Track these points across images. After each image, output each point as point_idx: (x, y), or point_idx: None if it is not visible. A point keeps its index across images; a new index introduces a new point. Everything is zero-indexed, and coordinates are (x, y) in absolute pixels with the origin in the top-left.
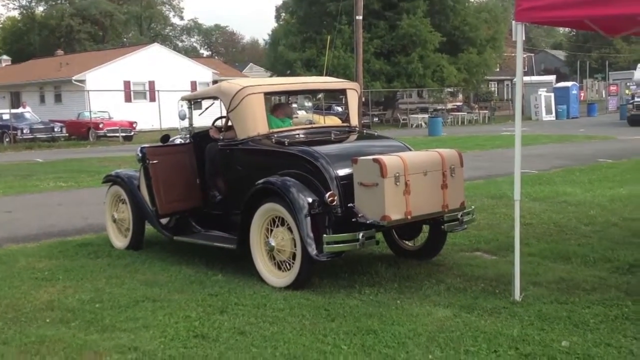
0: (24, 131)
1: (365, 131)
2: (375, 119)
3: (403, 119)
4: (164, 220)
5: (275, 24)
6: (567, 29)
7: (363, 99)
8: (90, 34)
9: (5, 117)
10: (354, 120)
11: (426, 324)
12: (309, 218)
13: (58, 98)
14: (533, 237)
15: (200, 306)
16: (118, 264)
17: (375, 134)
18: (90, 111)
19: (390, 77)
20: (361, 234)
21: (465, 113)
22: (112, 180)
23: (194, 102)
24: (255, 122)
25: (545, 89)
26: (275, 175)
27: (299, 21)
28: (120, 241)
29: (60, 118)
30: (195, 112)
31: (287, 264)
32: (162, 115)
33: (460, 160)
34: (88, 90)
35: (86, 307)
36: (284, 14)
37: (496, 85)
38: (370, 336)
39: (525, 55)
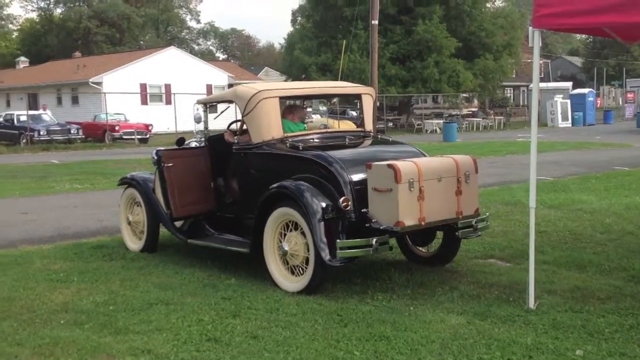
0: (41, 133)
1: (379, 136)
2: (390, 124)
3: (418, 124)
4: (178, 223)
5: (291, 28)
6: (584, 36)
7: (378, 104)
8: (107, 36)
9: (23, 118)
10: (369, 125)
11: (439, 330)
12: (322, 223)
13: (75, 100)
14: (548, 244)
15: (213, 310)
16: (132, 266)
17: (390, 139)
18: (106, 113)
19: (405, 82)
20: (375, 240)
21: (480, 119)
22: (128, 182)
23: (210, 105)
24: (270, 126)
25: (561, 96)
26: (289, 180)
27: (315, 25)
28: (134, 244)
29: (77, 120)
30: (211, 116)
31: (300, 268)
32: (178, 118)
33: (475, 166)
34: (105, 93)
35: (100, 310)
36: (300, 18)
37: (512, 92)
38: (382, 342)
39: (541, 62)
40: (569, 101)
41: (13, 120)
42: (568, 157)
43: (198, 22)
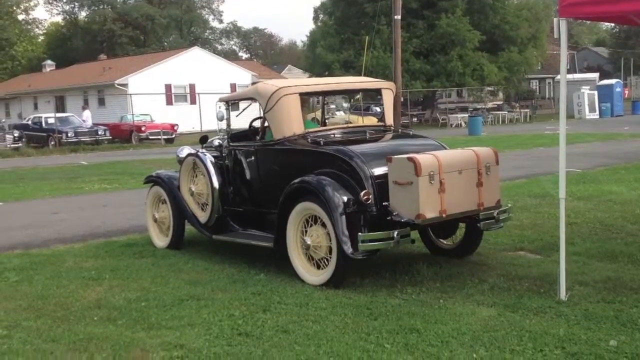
0: (69, 134)
1: (400, 130)
2: (415, 119)
3: (442, 119)
4: (202, 220)
5: (313, 26)
6: (610, 25)
7: (402, 99)
8: (131, 38)
9: (50, 121)
10: (390, 119)
11: (470, 323)
12: (344, 216)
13: (101, 102)
14: (578, 236)
15: (243, 305)
16: (162, 263)
17: (410, 132)
18: (132, 114)
19: (429, 77)
20: (396, 232)
21: (505, 112)
22: (153, 180)
23: (232, 103)
24: (291, 123)
25: (588, 87)
26: (311, 175)
27: (337, 22)
28: (161, 240)
29: (104, 121)
30: (233, 113)
31: (323, 261)
32: (203, 118)
33: (496, 158)
34: (130, 94)
35: (132, 306)
36: (322, 16)
37: (537, 84)
38: (413, 335)
39: (567, 53)
40: (596, 92)
41: (41, 122)
42: (596, 148)
43: (221, 22)
